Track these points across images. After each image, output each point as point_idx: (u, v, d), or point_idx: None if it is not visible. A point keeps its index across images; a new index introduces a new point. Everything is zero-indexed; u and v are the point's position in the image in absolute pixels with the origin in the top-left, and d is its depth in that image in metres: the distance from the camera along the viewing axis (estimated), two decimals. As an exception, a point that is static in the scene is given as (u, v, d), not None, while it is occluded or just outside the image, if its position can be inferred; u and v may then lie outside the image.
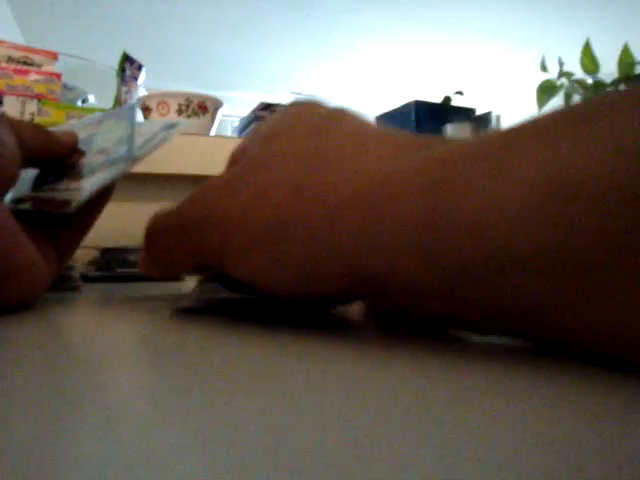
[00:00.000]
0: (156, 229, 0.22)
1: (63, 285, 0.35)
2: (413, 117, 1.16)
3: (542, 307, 0.13)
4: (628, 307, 0.12)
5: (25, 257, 0.24)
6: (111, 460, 0.07)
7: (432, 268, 0.14)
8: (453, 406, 0.10)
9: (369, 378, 0.12)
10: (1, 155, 0.23)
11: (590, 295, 0.12)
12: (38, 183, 0.29)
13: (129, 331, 0.19)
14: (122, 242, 0.55)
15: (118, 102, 0.68)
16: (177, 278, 0.42)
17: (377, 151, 0.17)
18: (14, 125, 0.25)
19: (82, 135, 0.30)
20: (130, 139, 0.30)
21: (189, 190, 0.21)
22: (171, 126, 0.32)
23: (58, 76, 0.61)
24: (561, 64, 1.67)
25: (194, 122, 0.75)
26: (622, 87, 1.35)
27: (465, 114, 1.19)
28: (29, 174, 0.29)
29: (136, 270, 0.45)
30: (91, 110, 0.60)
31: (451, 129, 1.08)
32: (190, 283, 0.38)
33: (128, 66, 0.71)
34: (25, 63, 0.61)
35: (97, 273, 0.49)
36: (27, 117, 0.58)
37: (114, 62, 0.71)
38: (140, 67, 0.73)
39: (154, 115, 0.75)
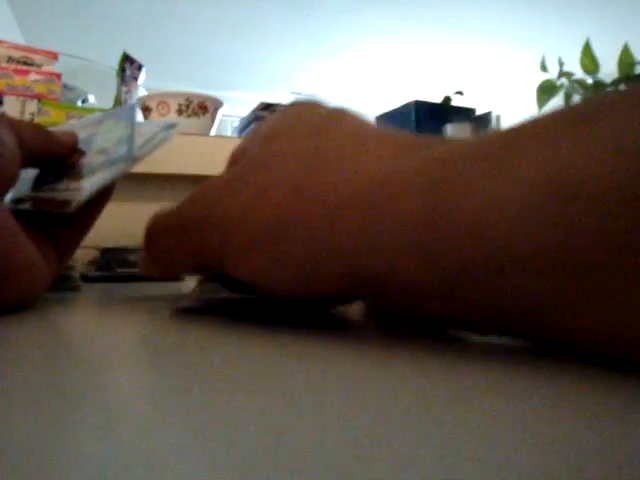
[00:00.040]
0: (156, 229, 0.22)
1: (63, 285, 0.35)
2: (413, 117, 1.16)
3: (542, 307, 0.13)
4: (628, 307, 0.12)
5: (25, 257, 0.24)
6: (111, 460, 0.07)
7: (432, 268, 0.14)
8: (453, 406, 0.10)
9: (369, 378, 0.12)
10: (1, 155, 0.23)
11: (590, 295, 0.12)
12: (38, 183, 0.29)
13: (129, 331, 0.19)
14: (122, 242, 0.55)
15: (118, 102, 0.68)
16: (177, 278, 0.42)
17: (377, 151, 0.17)
18: (14, 125, 0.25)
19: (82, 135, 0.30)
20: (130, 139, 0.30)
21: (189, 190, 0.21)
22: (171, 126, 0.32)
23: (58, 76, 0.61)
24: (561, 64, 1.67)
25: (194, 122, 0.75)
26: (622, 87, 1.35)
27: (465, 114, 1.19)
28: (29, 174, 0.29)
29: (136, 270, 0.45)
30: (91, 110, 0.60)
31: (451, 129, 1.08)
32: (190, 283, 0.38)
33: (128, 66, 0.71)
34: (25, 63, 0.61)
35: (97, 273, 0.49)
36: (27, 117, 0.58)
37: (114, 62, 0.71)
38: (140, 67, 0.73)
39: (154, 115, 0.75)
